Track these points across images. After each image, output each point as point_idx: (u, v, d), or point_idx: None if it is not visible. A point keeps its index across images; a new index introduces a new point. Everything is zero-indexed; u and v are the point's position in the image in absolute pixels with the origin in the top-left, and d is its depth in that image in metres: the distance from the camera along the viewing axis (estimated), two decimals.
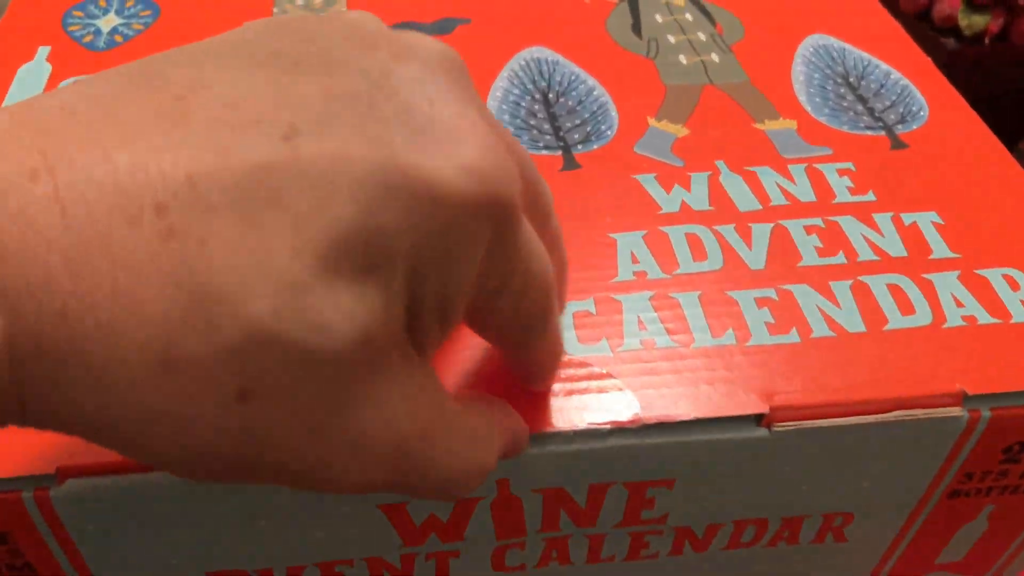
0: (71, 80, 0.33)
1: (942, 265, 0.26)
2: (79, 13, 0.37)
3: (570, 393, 0.23)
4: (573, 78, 0.34)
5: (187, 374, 0.14)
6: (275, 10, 0.38)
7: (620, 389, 0.23)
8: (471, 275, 0.16)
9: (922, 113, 0.32)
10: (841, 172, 0.29)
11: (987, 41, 0.74)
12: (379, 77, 0.15)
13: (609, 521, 0.24)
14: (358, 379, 0.15)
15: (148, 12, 0.38)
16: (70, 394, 0.14)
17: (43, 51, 0.35)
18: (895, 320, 0.24)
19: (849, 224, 0.27)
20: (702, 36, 0.36)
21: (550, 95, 0.33)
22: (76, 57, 0.35)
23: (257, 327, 0.14)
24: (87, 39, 0.36)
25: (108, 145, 0.13)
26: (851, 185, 0.29)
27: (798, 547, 0.26)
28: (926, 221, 0.28)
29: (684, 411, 0.22)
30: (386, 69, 0.16)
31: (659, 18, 0.37)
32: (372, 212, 0.14)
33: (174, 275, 0.13)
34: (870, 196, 0.28)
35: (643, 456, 0.22)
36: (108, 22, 0.37)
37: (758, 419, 0.22)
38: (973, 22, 0.74)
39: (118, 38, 0.36)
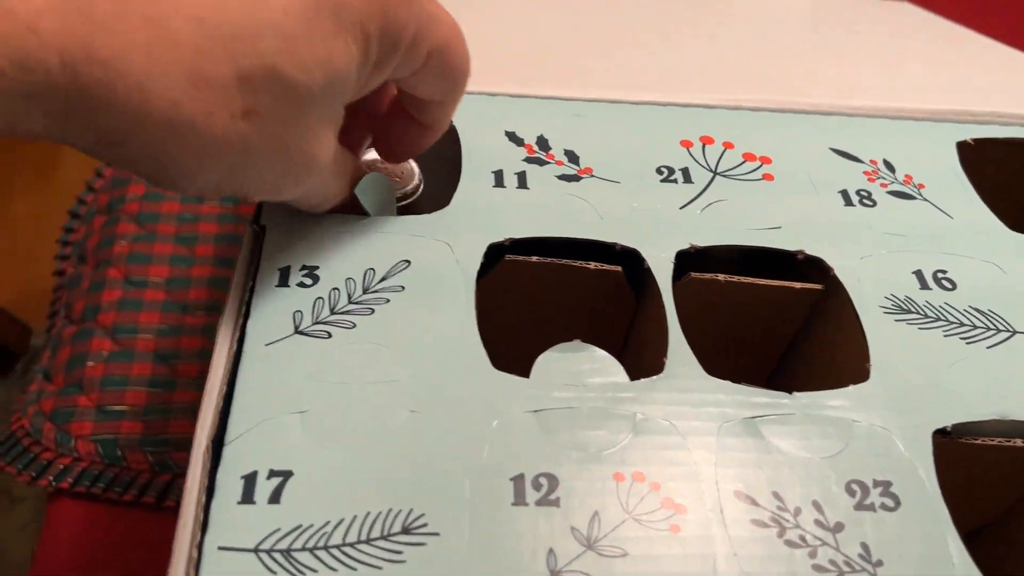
0: None
1: None
2: None
3: None
4: None
5: (209, 90, 0.19)
6: None
7: None
8: (412, 34, 0.22)
9: None
10: None
11: None
12: None
13: None
14: (319, 114, 0.22)
15: None
16: (111, 96, 0.18)
17: None
18: None
19: None
20: None
21: None
22: None
23: (266, 61, 0.19)
24: None
25: None
26: None
27: None
28: None
29: None
30: None
31: None
32: None
33: (198, 13, 0.18)
34: None
35: None
36: None
37: None
38: None
39: None
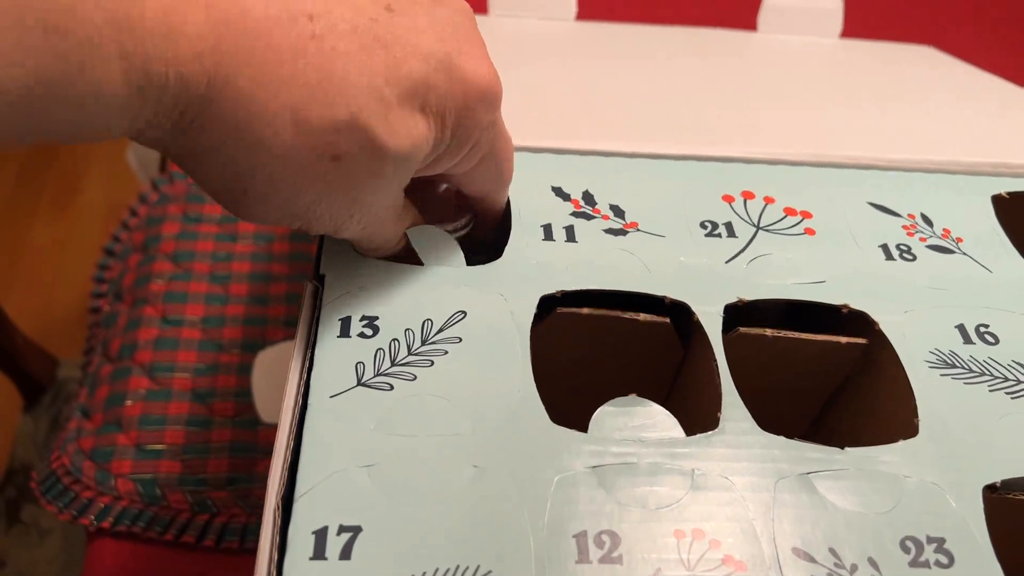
0: None
1: None
2: None
3: None
4: None
5: (308, 133, 0.21)
6: None
7: None
8: (478, 136, 0.25)
9: None
10: None
11: None
12: (439, 10, 0.24)
13: None
14: (393, 174, 0.24)
15: None
16: (237, 117, 0.21)
17: None
18: None
19: None
20: None
21: None
22: None
23: (359, 118, 0.22)
24: None
25: None
26: None
27: None
28: None
29: None
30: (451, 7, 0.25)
31: None
32: (432, 75, 0.23)
33: (312, 62, 0.21)
34: None
35: None
36: None
37: None
38: None
39: None
